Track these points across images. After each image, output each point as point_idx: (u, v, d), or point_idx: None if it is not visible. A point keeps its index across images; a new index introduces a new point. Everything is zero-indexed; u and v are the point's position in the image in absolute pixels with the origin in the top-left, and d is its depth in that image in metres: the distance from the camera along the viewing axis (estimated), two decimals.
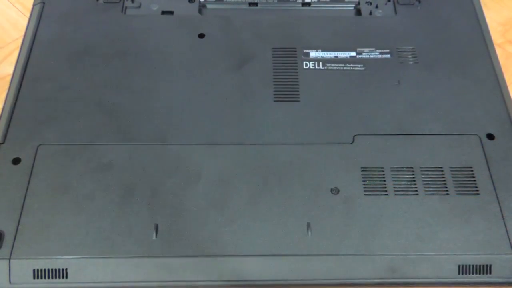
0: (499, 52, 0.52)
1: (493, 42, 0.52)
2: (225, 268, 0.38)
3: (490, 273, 0.39)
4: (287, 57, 0.50)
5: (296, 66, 0.49)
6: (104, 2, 0.54)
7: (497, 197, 0.41)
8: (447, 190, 0.42)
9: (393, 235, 0.39)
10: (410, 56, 0.50)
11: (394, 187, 0.42)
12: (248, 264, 0.38)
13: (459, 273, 0.39)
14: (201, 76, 0.49)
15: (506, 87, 0.49)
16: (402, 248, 0.39)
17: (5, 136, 0.44)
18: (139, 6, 0.55)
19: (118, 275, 0.38)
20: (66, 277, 0.38)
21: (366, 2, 0.56)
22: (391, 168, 0.43)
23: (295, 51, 0.51)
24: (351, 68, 0.50)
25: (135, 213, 0.40)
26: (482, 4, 0.56)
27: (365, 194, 0.41)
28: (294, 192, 0.41)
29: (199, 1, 0.56)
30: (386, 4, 0.56)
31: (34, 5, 0.55)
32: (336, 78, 0.49)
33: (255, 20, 0.53)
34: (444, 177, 0.42)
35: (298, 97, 0.47)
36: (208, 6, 0.56)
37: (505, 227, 0.40)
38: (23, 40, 0.51)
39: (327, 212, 0.40)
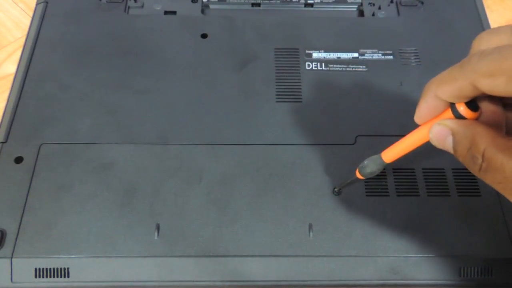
0: None
1: None
2: (226, 269, 0.38)
3: (492, 275, 0.39)
4: (290, 57, 0.50)
5: (299, 66, 0.49)
6: (107, 2, 0.54)
7: (499, 199, 0.41)
8: (448, 192, 0.42)
9: (394, 237, 0.39)
10: (412, 58, 0.50)
11: (396, 188, 0.42)
12: (249, 264, 0.38)
13: (460, 275, 0.39)
14: (203, 76, 0.49)
15: None
16: (404, 249, 0.39)
17: (7, 135, 0.44)
18: (142, 6, 0.55)
19: (120, 275, 0.38)
20: (68, 276, 0.38)
21: (369, 3, 0.56)
22: (393, 169, 0.43)
23: (298, 51, 0.51)
24: (354, 69, 0.50)
25: (137, 212, 0.40)
26: (485, 6, 0.56)
27: (366, 195, 0.41)
28: (295, 193, 0.41)
29: (202, 1, 0.56)
30: (389, 5, 0.56)
31: (37, 4, 0.55)
32: (338, 79, 0.49)
33: (257, 21, 0.53)
34: (445, 179, 0.42)
35: (300, 98, 0.47)
36: (211, 6, 0.56)
37: (507, 229, 0.40)
38: (26, 39, 0.52)
39: (328, 213, 0.40)
